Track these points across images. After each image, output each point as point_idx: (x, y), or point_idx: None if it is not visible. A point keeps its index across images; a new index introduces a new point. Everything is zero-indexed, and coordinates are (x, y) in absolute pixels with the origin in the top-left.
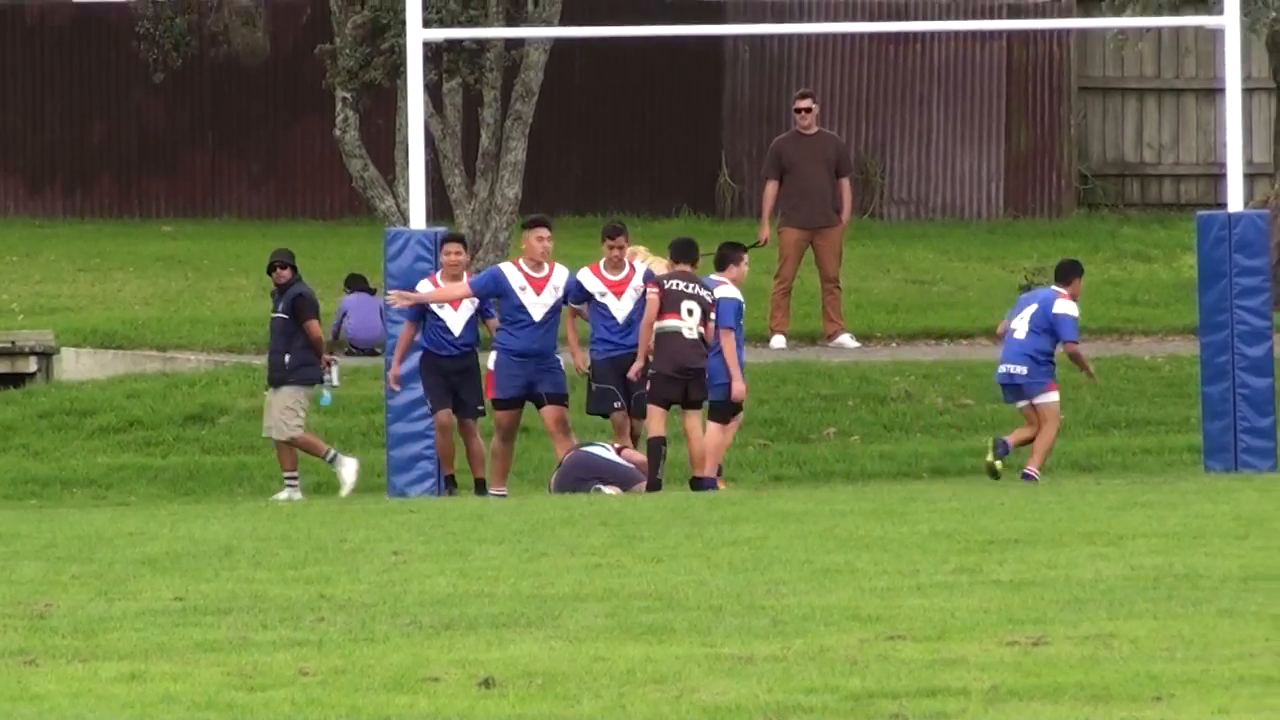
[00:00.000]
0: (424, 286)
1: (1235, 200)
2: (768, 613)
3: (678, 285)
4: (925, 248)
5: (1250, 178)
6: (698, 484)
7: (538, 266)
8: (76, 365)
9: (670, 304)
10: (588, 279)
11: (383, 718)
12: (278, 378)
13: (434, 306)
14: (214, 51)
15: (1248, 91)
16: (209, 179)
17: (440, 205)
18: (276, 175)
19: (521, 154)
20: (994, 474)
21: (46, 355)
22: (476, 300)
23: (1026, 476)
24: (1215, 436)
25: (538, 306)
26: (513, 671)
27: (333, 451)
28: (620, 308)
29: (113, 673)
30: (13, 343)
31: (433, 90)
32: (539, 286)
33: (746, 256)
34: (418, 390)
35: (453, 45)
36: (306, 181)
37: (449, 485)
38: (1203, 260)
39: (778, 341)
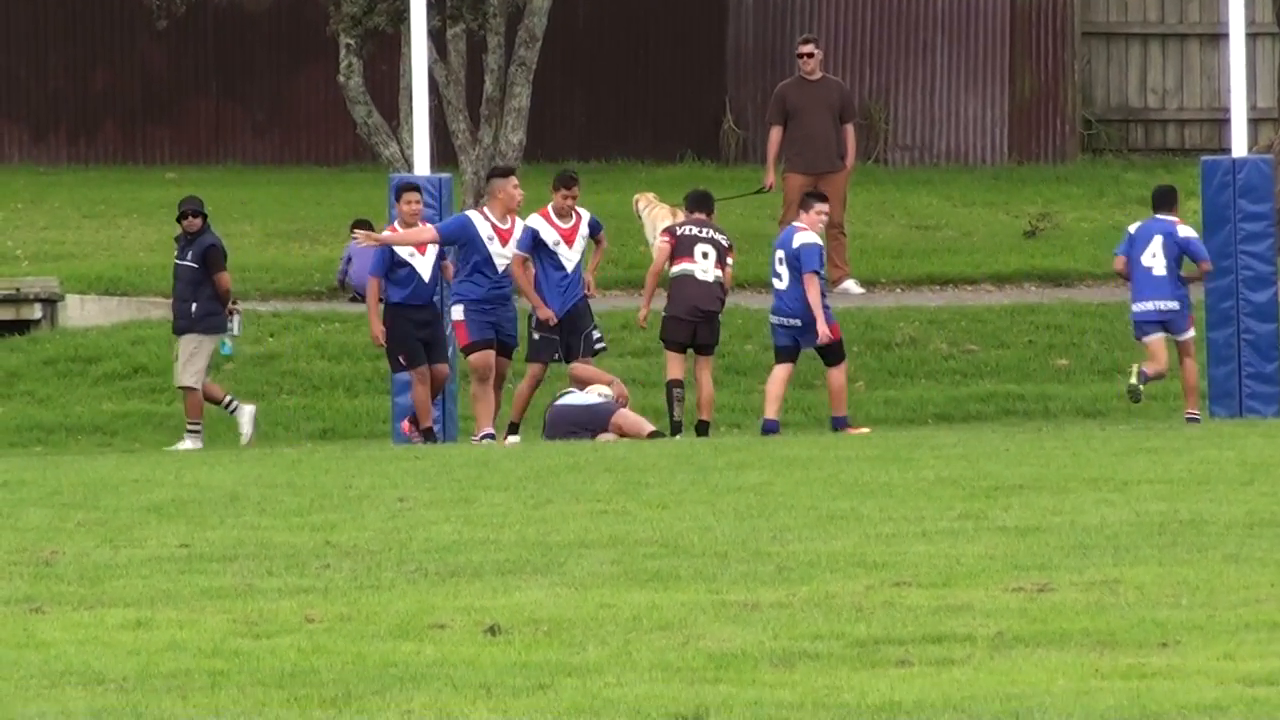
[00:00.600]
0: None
1: (1239, 145)
2: (773, 559)
3: (690, 230)
4: (929, 193)
5: (1254, 123)
6: (704, 427)
7: (504, 218)
8: (81, 312)
9: (684, 248)
10: (543, 227)
11: (388, 664)
12: (183, 325)
13: (406, 256)
14: None
15: (1251, 36)
16: (213, 126)
17: (444, 151)
18: (281, 122)
19: (526, 100)
20: (1136, 396)
21: (51, 302)
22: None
23: (1192, 419)
24: (1220, 382)
25: (501, 259)
26: (519, 618)
27: (233, 400)
28: (570, 256)
29: (119, 620)
30: (17, 289)
31: (436, 36)
32: (505, 238)
33: (819, 205)
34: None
35: None
36: (311, 128)
37: (429, 437)
38: (1207, 206)
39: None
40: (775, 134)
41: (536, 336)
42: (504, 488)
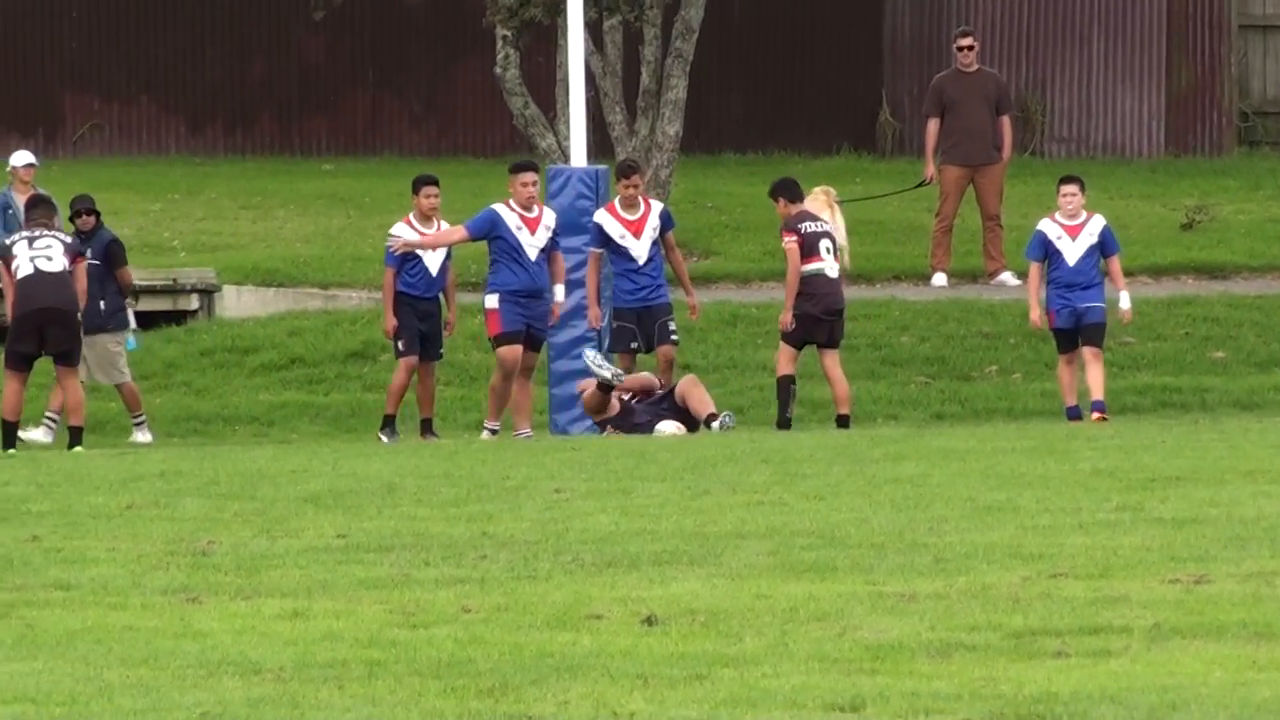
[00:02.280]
0: (401, 230)
1: None
2: (930, 550)
3: (811, 227)
4: (1086, 186)
5: None
6: (845, 421)
7: (528, 208)
8: (238, 302)
9: (811, 247)
10: (607, 221)
11: (545, 655)
12: (94, 324)
13: (418, 250)
14: None
15: None
16: (370, 117)
17: (601, 143)
18: (437, 113)
19: (682, 91)
20: None
21: (208, 293)
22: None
23: None
24: None
25: (532, 247)
26: (675, 609)
27: (46, 420)
28: (639, 248)
29: (275, 610)
30: (175, 280)
31: (593, 28)
32: (533, 226)
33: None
34: (580, 328)
35: None
36: (467, 119)
37: (387, 426)
38: None
39: (939, 279)
40: (932, 126)
41: (615, 325)
42: (661, 479)
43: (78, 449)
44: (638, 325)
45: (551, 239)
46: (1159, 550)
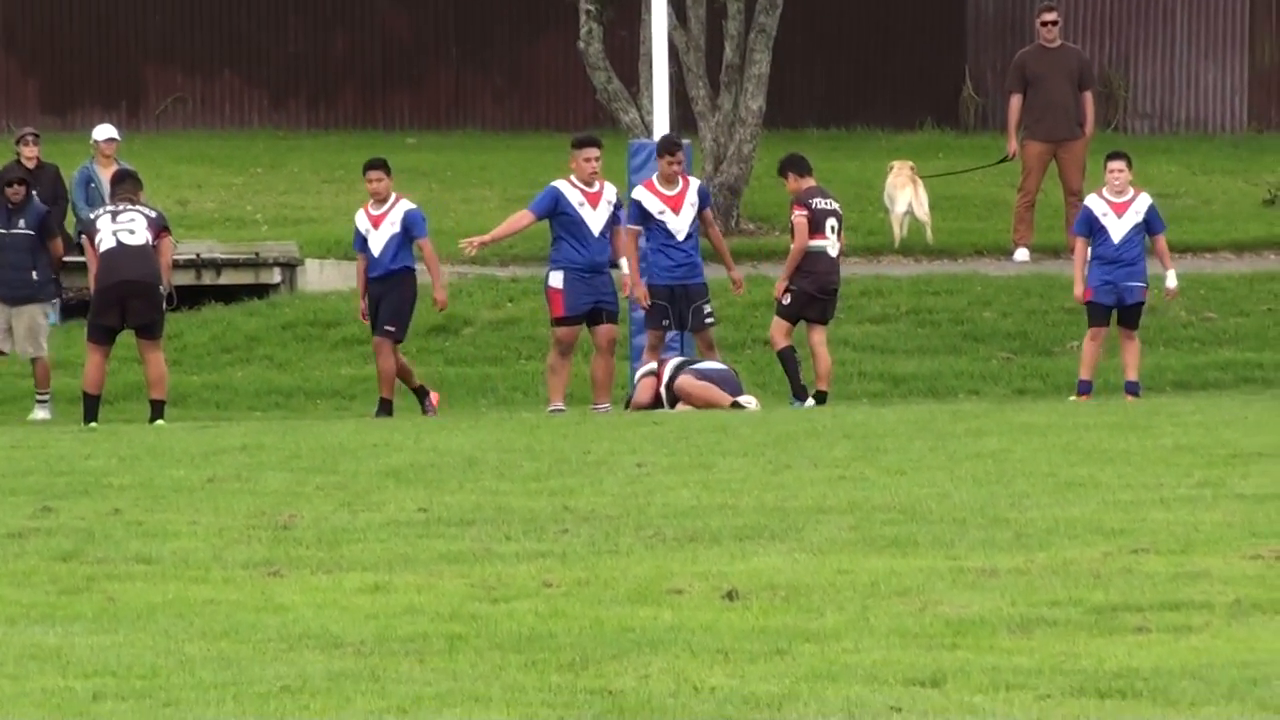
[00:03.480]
0: (357, 217)
1: None
2: (1011, 525)
3: (821, 204)
4: (1169, 161)
5: None
6: (823, 397)
7: (590, 183)
8: (320, 276)
9: (818, 224)
10: (646, 197)
11: (626, 629)
12: (24, 294)
13: (363, 230)
14: None
15: None
16: (453, 92)
17: (685, 117)
18: (520, 88)
19: (766, 66)
20: None
21: (290, 266)
22: (397, 225)
23: None
24: None
25: (596, 221)
26: (756, 584)
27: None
28: (679, 224)
29: (357, 584)
30: (257, 254)
31: (676, 2)
32: (594, 201)
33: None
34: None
35: None
36: (550, 94)
37: (383, 409)
38: None
39: (1021, 254)
40: (1015, 102)
41: (652, 303)
42: (742, 453)
43: (159, 422)
44: (670, 303)
45: (614, 214)
46: (1240, 526)
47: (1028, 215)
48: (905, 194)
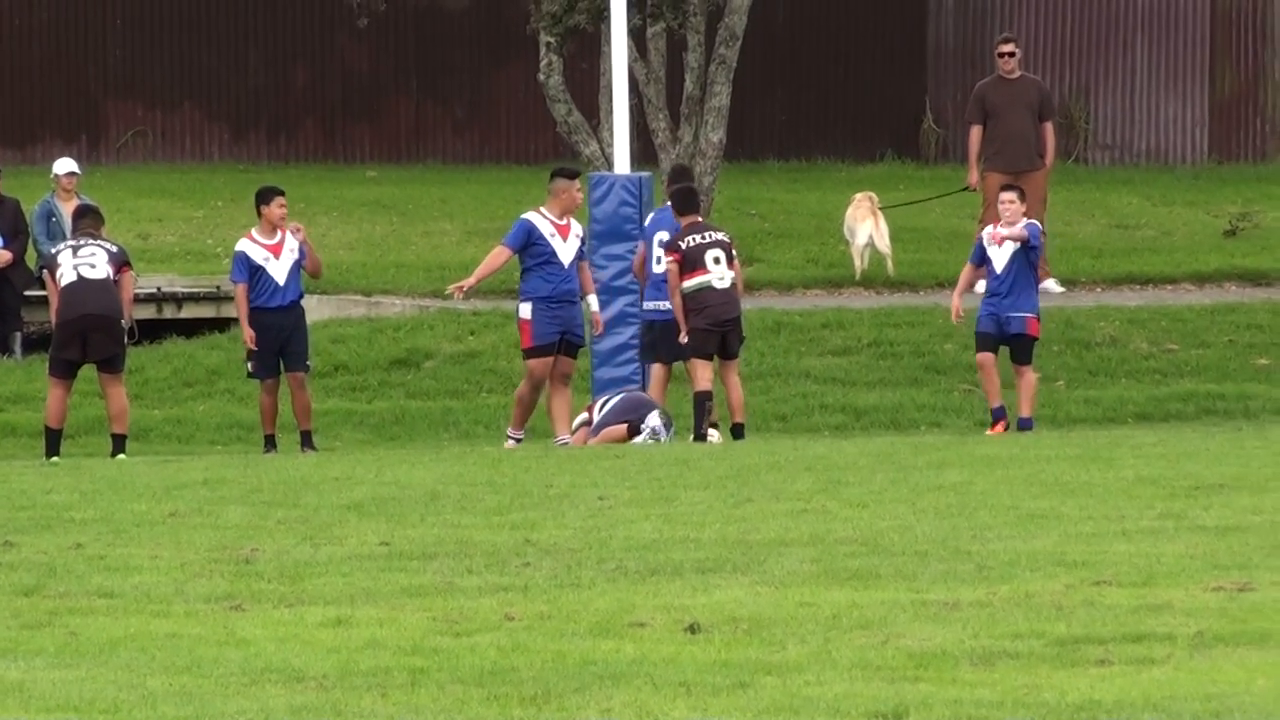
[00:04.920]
0: (246, 246)
1: None
2: (973, 558)
3: (695, 240)
4: (1130, 192)
5: None
6: (739, 430)
7: (562, 216)
8: None
9: (694, 261)
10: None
11: (588, 663)
12: None
13: (260, 261)
14: None
15: None
16: (413, 124)
17: (645, 150)
18: (480, 120)
19: (726, 98)
20: None
21: None
22: (296, 252)
23: None
24: None
25: (566, 253)
26: (718, 617)
27: None
28: (566, 251)
29: (318, 618)
30: (218, 287)
31: (636, 35)
32: (565, 233)
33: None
34: (622, 336)
35: None
36: (510, 126)
37: (270, 445)
38: None
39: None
40: (975, 133)
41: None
42: (704, 486)
43: (121, 456)
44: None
45: (580, 248)
46: (1202, 558)
47: None
48: (866, 226)
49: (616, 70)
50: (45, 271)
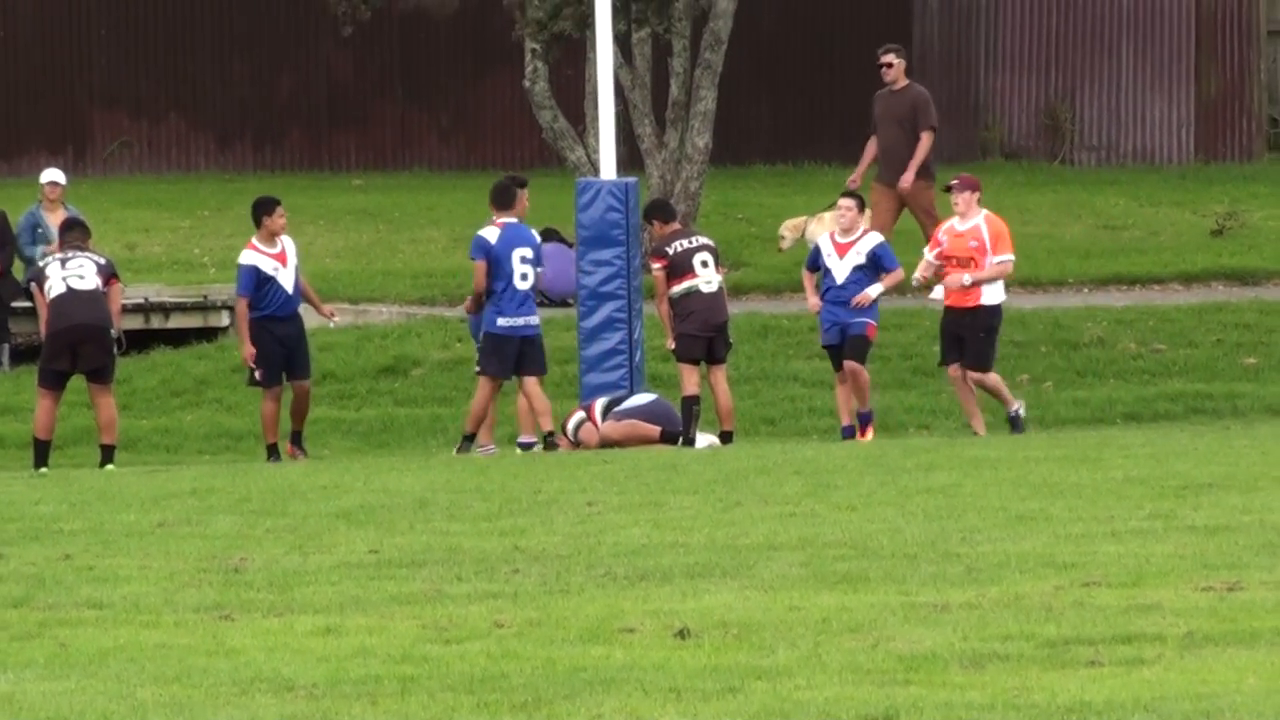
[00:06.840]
0: (256, 259)
1: None
2: (962, 560)
3: (683, 245)
4: (1116, 193)
5: None
6: (728, 437)
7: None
8: None
9: (682, 266)
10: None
11: (578, 669)
12: None
13: (270, 271)
14: (402, 4)
15: None
16: (398, 132)
17: (631, 155)
18: (466, 127)
19: (712, 103)
20: None
21: None
22: (296, 258)
23: None
24: None
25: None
26: (708, 622)
27: None
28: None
29: (308, 626)
30: (205, 297)
31: (622, 40)
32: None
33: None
34: (610, 341)
35: None
36: (496, 133)
37: (273, 454)
38: None
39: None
40: (870, 142)
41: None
42: (693, 491)
43: (109, 467)
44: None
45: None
46: (1191, 558)
47: None
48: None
49: (602, 76)
50: (33, 284)
